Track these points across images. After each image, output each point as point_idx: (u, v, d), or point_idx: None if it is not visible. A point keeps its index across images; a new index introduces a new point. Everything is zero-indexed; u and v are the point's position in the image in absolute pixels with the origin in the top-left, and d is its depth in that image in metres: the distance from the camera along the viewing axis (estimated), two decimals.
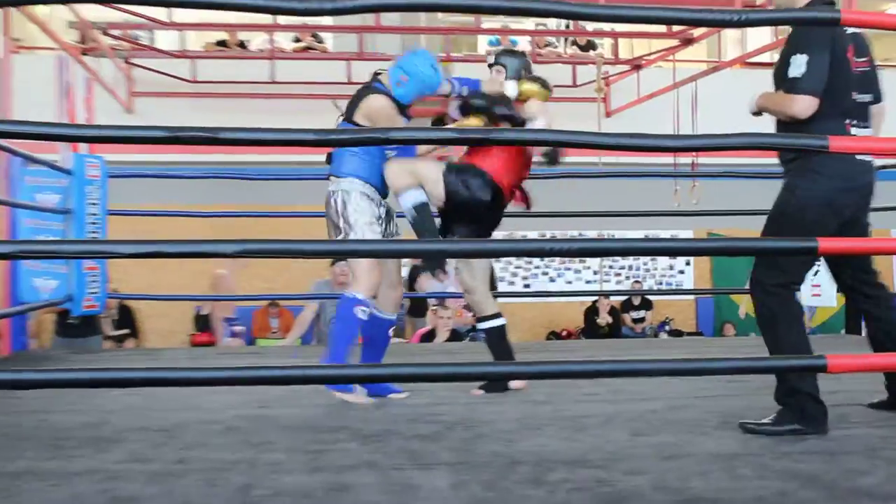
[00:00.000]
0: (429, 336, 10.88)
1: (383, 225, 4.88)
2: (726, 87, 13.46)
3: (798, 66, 3.72)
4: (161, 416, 4.32)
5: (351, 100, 4.92)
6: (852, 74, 3.91)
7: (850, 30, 3.98)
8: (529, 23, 14.46)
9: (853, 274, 4.17)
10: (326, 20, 12.49)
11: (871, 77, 4.25)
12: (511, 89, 5.06)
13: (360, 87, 4.99)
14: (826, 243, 3.35)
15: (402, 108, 4.89)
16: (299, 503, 2.81)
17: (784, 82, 3.79)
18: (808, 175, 3.80)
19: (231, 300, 11.37)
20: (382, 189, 4.88)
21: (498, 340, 5.08)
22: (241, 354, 6.13)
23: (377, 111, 4.74)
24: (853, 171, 3.82)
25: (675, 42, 12.97)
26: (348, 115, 4.85)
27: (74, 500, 2.85)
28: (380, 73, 4.99)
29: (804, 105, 3.71)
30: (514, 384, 4.92)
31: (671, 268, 15.68)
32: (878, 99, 4.36)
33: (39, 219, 6.88)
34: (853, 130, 3.96)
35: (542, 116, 5.02)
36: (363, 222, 4.72)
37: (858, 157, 3.81)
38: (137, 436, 3.90)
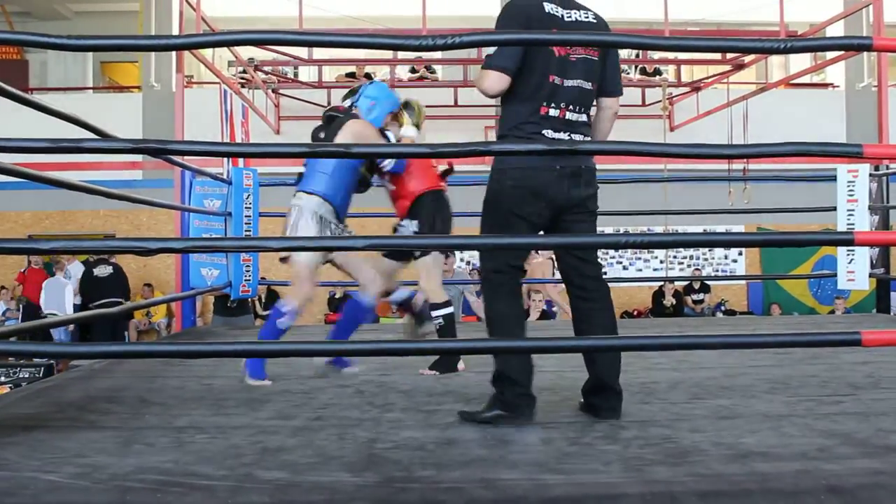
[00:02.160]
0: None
1: None
2: (772, 104, 13.29)
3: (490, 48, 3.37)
4: (301, 381, 4.37)
5: (330, 128, 4.66)
6: (556, 59, 3.36)
7: (575, 17, 3.44)
8: None
9: (570, 262, 3.56)
10: (437, 54, 12.54)
11: (594, 67, 3.48)
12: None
13: (330, 116, 4.81)
14: (861, 236, 3.23)
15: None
16: (415, 454, 2.80)
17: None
18: (500, 158, 3.44)
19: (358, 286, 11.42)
20: (342, 210, 4.66)
21: (450, 325, 4.94)
22: (364, 331, 6.16)
23: (360, 132, 4.52)
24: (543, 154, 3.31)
25: (728, 67, 12.78)
26: (329, 139, 4.59)
27: (231, 450, 2.88)
28: (334, 110, 4.90)
29: (491, 80, 3.32)
30: (460, 366, 4.70)
31: (726, 257, 15.49)
32: (611, 92, 3.61)
33: (206, 220, 7.03)
34: (552, 112, 3.37)
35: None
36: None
37: (553, 136, 3.37)
38: (282, 397, 3.94)
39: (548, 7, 3.41)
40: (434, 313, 4.95)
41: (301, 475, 2.55)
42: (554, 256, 4.38)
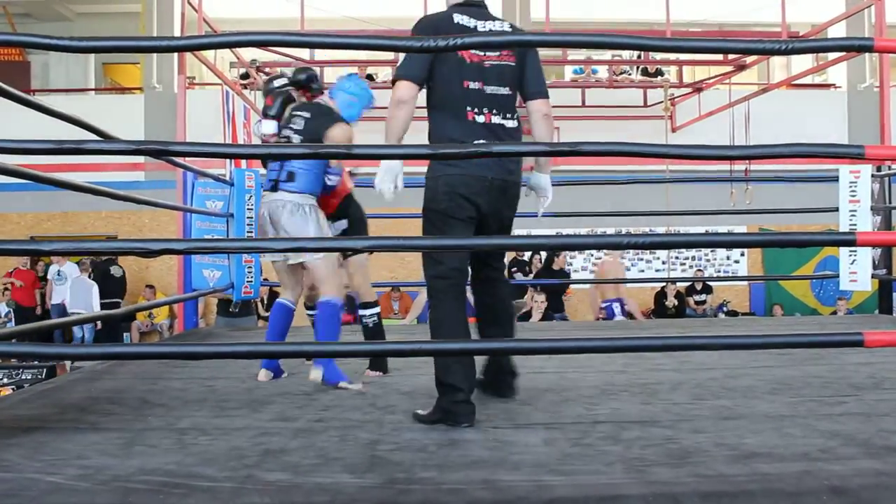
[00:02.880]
0: (526, 316, 10.88)
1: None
2: (774, 105, 13.28)
3: (402, 57, 3.47)
4: (302, 383, 4.37)
5: (312, 119, 4.58)
6: (468, 66, 3.45)
7: (489, 28, 3.52)
8: (607, 54, 14.37)
9: (486, 260, 3.76)
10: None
11: (508, 71, 3.54)
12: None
13: (309, 106, 4.71)
14: (864, 237, 3.22)
15: None
16: (416, 456, 2.81)
17: None
18: (434, 166, 3.52)
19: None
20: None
21: (375, 328, 4.90)
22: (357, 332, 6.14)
23: (349, 138, 4.54)
24: (480, 162, 3.40)
25: (730, 68, 12.77)
26: (310, 135, 4.51)
27: (233, 451, 2.88)
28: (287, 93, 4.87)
29: (401, 89, 3.40)
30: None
31: (728, 258, 15.48)
32: (536, 94, 3.67)
33: (208, 221, 7.03)
34: (481, 119, 3.46)
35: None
36: (307, 233, 4.44)
37: (480, 142, 3.38)
38: (284, 399, 3.95)
39: (458, 18, 3.51)
40: (364, 312, 4.90)
41: (303, 476, 2.55)
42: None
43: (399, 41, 3.18)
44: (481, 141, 3.40)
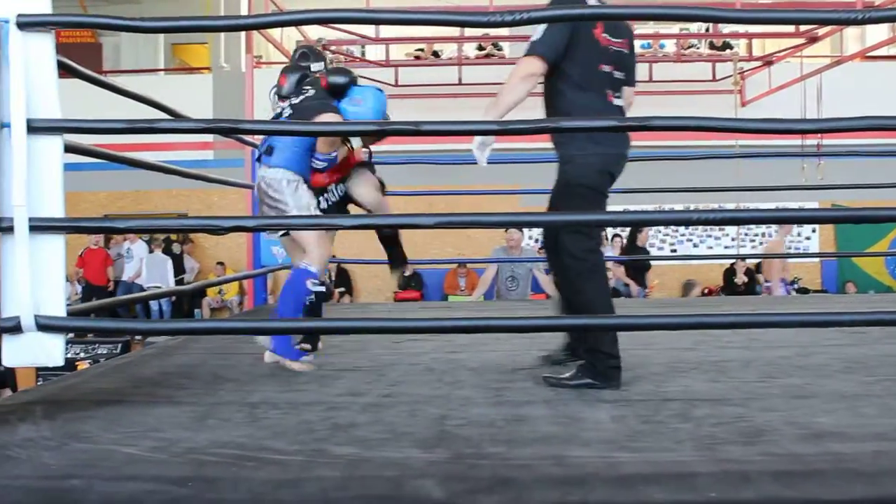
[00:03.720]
0: None
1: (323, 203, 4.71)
2: (848, 78, 13.00)
3: (536, 31, 3.52)
4: (372, 358, 4.40)
5: (313, 98, 4.45)
6: (602, 49, 3.64)
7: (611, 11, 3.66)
8: (675, 28, 14.17)
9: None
10: (504, 31, 12.48)
11: (626, 59, 3.77)
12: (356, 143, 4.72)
13: (317, 87, 4.51)
14: None
15: None
16: (484, 431, 2.81)
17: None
18: (585, 145, 3.61)
19: (426, 264, 11.49)
20: (306, 179, 4.49)
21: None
22: (433, 308, 6.18)
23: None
24: (622, 140, 3.71)
25: (802, 40, 12.49)
26: (300, 113, 4.37)
27: (303, 425, 2.92)
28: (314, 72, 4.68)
29: (534, 65, 3.52)
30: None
31: (799, 234, 15.19)
32: (630, 82, 3.87)
33: None
34: (616, 102, 3.73)
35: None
36: (302, 205, 4.37)
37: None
38: (353, 374, 3.98)
39: (591, 1, 3.66)
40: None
41: (372, 451, 2.57)
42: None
43: (464, 16, 3.16)
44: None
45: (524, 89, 3.53)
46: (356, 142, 4.58)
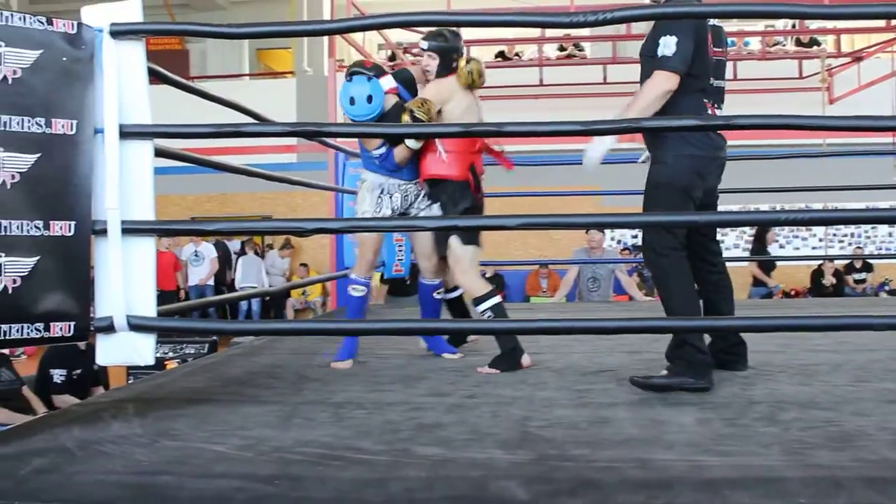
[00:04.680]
0: None
1: (387, 209, 4.48)
2: None
3: (668, 46, 3.50)
4: (454, 360, 4.42)
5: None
6: (710, 60, 3.69)
7: (711, 21, 3.74)
8: (760, 24, 13.94)
9: (699, 240, 3.88)
10: (585, 31, 12.41)
11: (723, 66, 3.83)
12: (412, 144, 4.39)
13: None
14: None
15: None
16: (568, 433, 2.80)
17: (654, 61, 3.58)
18: (678, 146, 3.62)
19: (508, 265, 11.44)
20: (398, 175, 4.47)
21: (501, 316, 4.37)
22: (516, 310, 6.16)
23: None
24: (714, 143, 3.68)
25: (893, 34, 12.18)
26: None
27: (387, 425, 2.94)
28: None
29: (672, 81, 3.52)
30: (525, 360, 4.22)
31: (890, 235, 14.82)
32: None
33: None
34: (718, 112, 3.74)
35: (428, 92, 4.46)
36: (360, 212, 4.50)
37: (716, 135, 3.70)
38: (436, 375, 3.99)
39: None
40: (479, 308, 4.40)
41: (456, 451, 2.58)
42: None
43: (545, 17, 3.15)
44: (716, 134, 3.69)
45: (660, 105, 3.57)
46: (410, 143, 4.37)
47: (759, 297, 11.65)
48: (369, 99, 4.28)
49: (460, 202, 4.41)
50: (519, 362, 4.16)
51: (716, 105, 3.73)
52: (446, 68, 4.50)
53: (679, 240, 3.65)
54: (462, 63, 4.50)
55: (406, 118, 4.23)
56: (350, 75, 4.37)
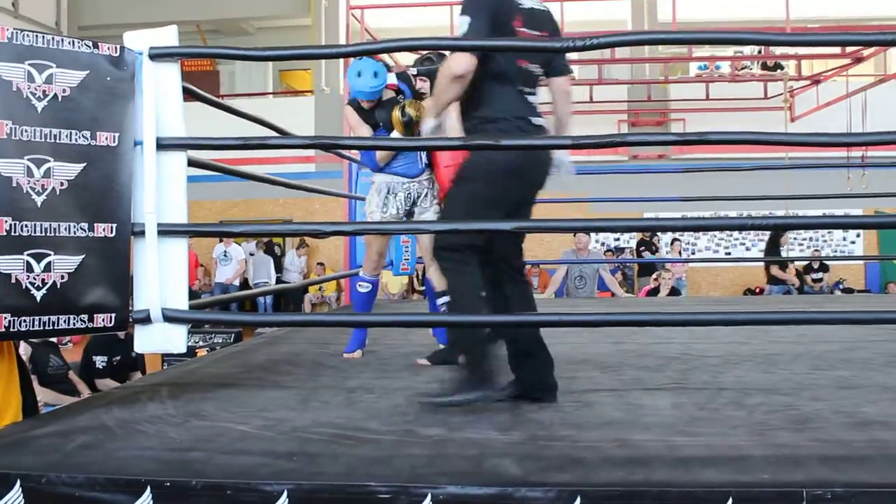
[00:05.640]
0: (654, 292, 10.69)
1: (392, 209, 4.40)
2: (891, 94, 12.58)
3: (461, 27, 2.96)
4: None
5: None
6: (520, 42, 3.05)
7: (528, 4, 3.08)
8: (729, 50, 13.96)
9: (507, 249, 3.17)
10: (573, 55, 12.39)
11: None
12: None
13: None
14: None
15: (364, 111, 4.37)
16: (556, 416, 2.80)
17: None
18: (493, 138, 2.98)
19: None
20: (401, 172, 4.37)
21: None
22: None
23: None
24: (529, 137, 3.03)
25: (847, 60, 12.18)
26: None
27: (394, 408, 2.94)
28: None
29: (460, 61, 2.91)
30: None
31: (844, 239, 14.81)
32: (562, 72, 3.24)
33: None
34: (529, 98, 3.08)
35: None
36: (368, 212, 4.45)
37: (536, 122, 3.06)
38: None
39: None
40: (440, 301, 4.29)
41: (456, 432, 2.57)
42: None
43: (535, 42, 3.14)
44: (534, 120, 3.08)
45: (454, 90, 3.01)
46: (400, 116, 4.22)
47: (780, 293, 11.72)
48: (375, 75, 4.25)
49: None
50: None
51: (534, 91, 3.12)
52: None
53: (472, 239, 3.01)
54: None
55: (396, 112, 4.19)
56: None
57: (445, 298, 3.90)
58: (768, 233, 14.30)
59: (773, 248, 12.33)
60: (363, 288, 4.53)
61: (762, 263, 13.76)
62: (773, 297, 11.18)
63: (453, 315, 2.99)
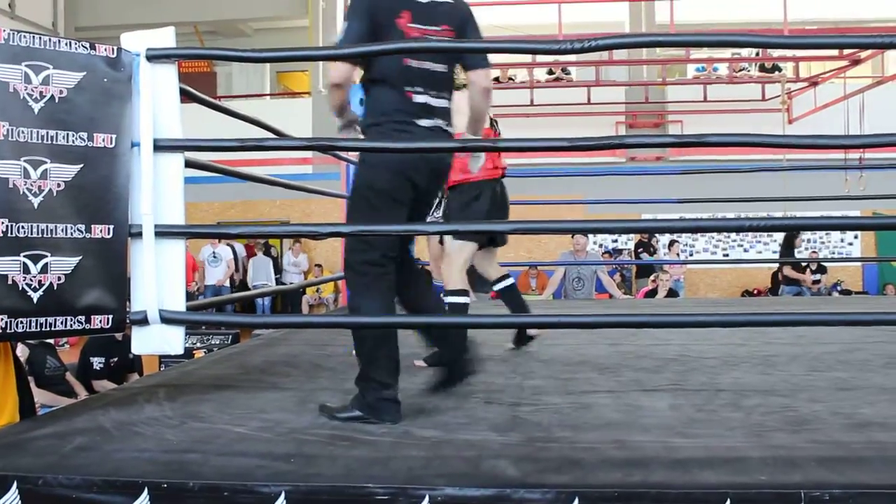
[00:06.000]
0: (652, 293, 10.69)
1: None
2: (889, 96, 12.62)
3: (340, 34, 2.92)
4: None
5: None
6: (409, 41, 2.92)
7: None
8: (727, 52, 13.97)
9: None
10: (572, 57, 12.41)
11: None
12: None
13: None
14: None
15: None
16: (553, 418, 2.80)
17: None
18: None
19: (501, 266, 11.40)
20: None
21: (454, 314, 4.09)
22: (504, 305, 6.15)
23: None
24: (421, 140, 2.95)
25: (845, 62, 12.20)
26: None
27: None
28: None
29: (335, 69, 2.91)
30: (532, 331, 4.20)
31: (842, 240, 14.82)
32: (476, 66, 3.07)
33: None
34: (416, 97, 2.94)
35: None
36: None
37: (424, 125, 2.96)
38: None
39: None
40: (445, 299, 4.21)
41: (453, 434, 2.57)
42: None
43: (538, 44, 3.14)
44: (423, 122, 2.98)
45: (338, 97, 3.04)
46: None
47: (791, 294, 11.76)
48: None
49: (472, 202, 4.24)
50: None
51: (427, 90, 2.97)
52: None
53: (381, 252, 2.94)
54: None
55: None
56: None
57: (452, 298, 4.09)
58: (766, 234, 14.34)
59: (787, 249, 12.39)
60: None
61: (761, 265, 13.80)
62: (769, 299, 11.19)
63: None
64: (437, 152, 3.05)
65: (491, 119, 4.43)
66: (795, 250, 12.51)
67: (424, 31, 2.96)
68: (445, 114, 3.05)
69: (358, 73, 3.02)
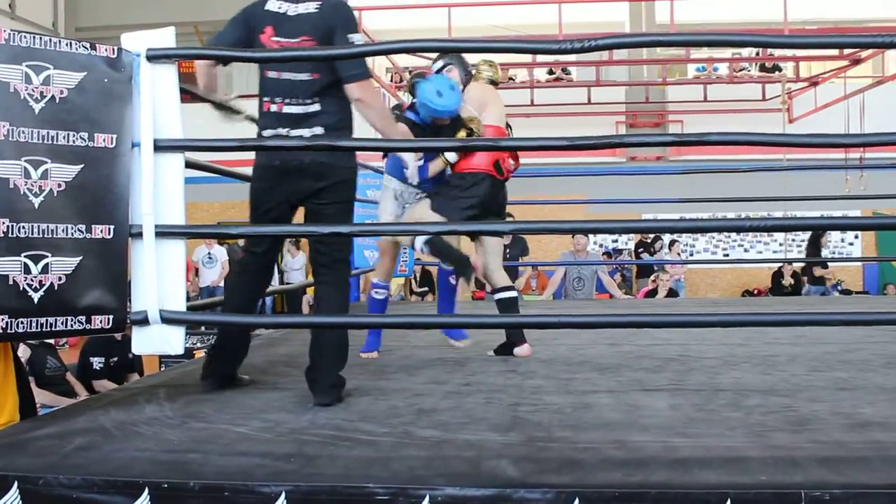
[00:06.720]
0: (652, 293, 10.70)
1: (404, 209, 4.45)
2: (889, 96, 12.61)
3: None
4: (453, 350, 4.42)
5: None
6: (269, 52, 3.11)
7: (284, 9, 3.12)
8: (727, 52, 13.98)
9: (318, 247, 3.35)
10: (572, 56, 12.41)
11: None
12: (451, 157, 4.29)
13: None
14: None
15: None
16: (554, 417, 2.80)
17: None
18: (257, 155, 3.26)
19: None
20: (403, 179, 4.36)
21: (507, 309, 4.36)
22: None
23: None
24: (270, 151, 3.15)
25: (845, 62, 12.20)
26: None
27: (391, 410, 2.94)
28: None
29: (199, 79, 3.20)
30: (518, 351, 4.22)
31: (842, 240, 14.80)
32: (346, 79, 3.11)
33: (367, 208, 7.13)
34: (274, 108, 3.16)
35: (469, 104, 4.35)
36: (383, 220, 4.47)
37: (266, 134, 3.17)
38: (435, 365, 3.99)
39: (270, 5, 3.17)
40: (494, 297, 4.51)
41: (452, 433, 2.58)
42: None
43: (537, 44, 3.15)
44: (269, 132, 3.19)
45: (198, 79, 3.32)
46: (450, 156, 4.29)
47: (817, 294, 11.78)
48: (452, 88, 4.17)
49: (468, 194, 4.25)
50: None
51: (289, 100, 3.15)
52: (469, 76, 4.48)
53: (252, 249, 3.46)
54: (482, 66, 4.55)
55: (463, 134, 4.21)
56: (418, 79, 4.40)
57: (501, 294, 4.36)
58: (767, 234, 14.35)
59: (813, 248, 12.44)
60: (380, 294, 4.60)
61: (761, 265, 13.80)
62: (769, 299, 11.19)
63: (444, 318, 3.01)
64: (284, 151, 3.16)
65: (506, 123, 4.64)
66: (823, 249, 12.58)
67: (283, 44, 3.13)
68: (314, 117, 3.17)
69: (224, 72, 3.18)
